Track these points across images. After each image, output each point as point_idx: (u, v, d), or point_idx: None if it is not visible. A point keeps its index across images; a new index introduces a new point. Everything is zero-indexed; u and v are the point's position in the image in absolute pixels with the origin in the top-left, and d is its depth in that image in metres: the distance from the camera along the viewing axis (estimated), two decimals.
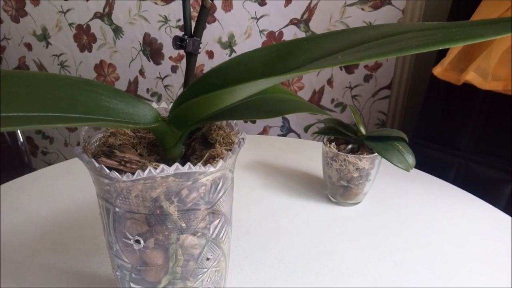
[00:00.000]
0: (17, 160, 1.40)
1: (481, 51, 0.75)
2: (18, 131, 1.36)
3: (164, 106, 0.36)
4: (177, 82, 1.45)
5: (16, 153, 1.40)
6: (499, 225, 0.57)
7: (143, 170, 0.24)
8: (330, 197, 0.62)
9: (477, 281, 0.46)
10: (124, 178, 0.25)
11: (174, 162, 0.25)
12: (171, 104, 0.34)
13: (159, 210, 0.27)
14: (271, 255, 0.49)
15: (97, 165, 0.25)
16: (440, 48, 0.19)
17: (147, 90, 1.50)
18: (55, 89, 0.23)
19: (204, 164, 0.26)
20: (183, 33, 0.29)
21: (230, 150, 0.29)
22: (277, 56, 0.26)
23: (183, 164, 0.25)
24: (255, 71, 0.26)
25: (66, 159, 0.75)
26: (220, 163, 0.26)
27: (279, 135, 1.41)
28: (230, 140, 0.31)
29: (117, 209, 0.28)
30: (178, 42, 0.29)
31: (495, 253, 0.51)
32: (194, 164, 0.25)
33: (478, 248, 0.52)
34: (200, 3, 0.28)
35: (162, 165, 0.24)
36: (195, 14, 1.19)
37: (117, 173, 0.25)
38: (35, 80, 0.23)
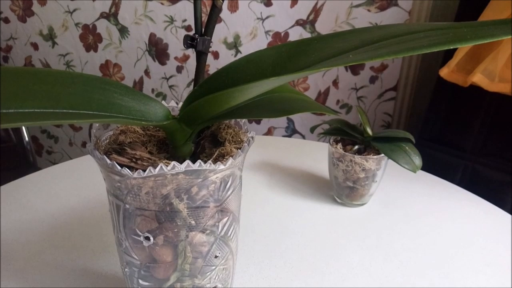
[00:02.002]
0: (22, 159, 1.41)
1: (488, 53, 0.75)
2: (24, 130, 1.37)
3: (172, 105, 0.36)
4: (182, 82, 1.45)
5: (21, 152, 1.41)
6: (504, 226, 0.56)
7: (154, 167, 0.25)
8: (336, 198, 0.62)
9: (483, 282, 0.46)
10: (135, 174, 0.25)
11: (183, 160, 0.25)
12: (179, 103, 0.34)
13: (169, 207, 0.27)
14: (277, 255, 0.49)
15: (109, 161, 0.25)
16: (451, 48, 0.19)
17: (152, 90, 1.51)
18: (69, 86, 0.23)
19: (214, 161, 0.27)
20: (193, 32, 0.30)
21: (240, 148, 0.29)
22: (287, 55, 0.26)
23: (193, 162, 0.25)
24: (265, 70, 0.26)
25: (71, 158, 0.75)
26: (230, 160, 0.27)
27: (283, 136, 1.41)
28: (239, 139, 0.31)
29: (127, 206, 0.28)
30: (189, 41, 0.29)
31: (500, 255, 0.51)
32: (204, 162, 0.26)
33: (484, 249, 0.52)
34: (211, 4, 0.28)
35: (173, 162, 0.25)
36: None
37: (128, 170, 0.25)
38: (49, 77, 0.23)
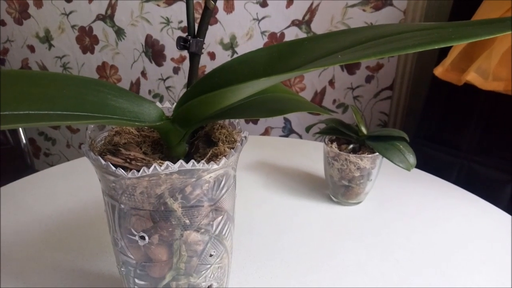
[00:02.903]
0: (20, 162, 1.41)
1: (482, 52, 0.75)
2: (21, 132, 1.37)
3: (167, 106, 0.36)
4: (178, 83, 1.46)
5: (19, 154, 1.41)
6: (500, 225, 0.57)
7: (148, 167, 0.25)
8: (332, 197, 0.63)
9: (479, 280, 0.46)
10: (130, 175, 0.25)
11: (178, 160, 0.26)
12: (174, 104, 0.34)
13: (163, 206, 0.27)
14: (273, 254, 0.50)
15: (103, 162, 0.25)
16: (436, 47, 0.20)
17: (149, 91, 1.51)
18: (64, 88, 0.24)
19: (208, 161, 0.27)
20: (186, 34, 0.30)
21: (233, 148, 0.29)
22: (279, 55, 0.27)
23: (187, 162, 0.26)
24: (257, 70, 0.27)
25: (68, 160, 0.76)
26: (223, 160, 0.27)
27: (280, 136, 1.41)
28: (233, 139, 0.32)
29: (122, 206, 0.28)
30: (182, 43, 0.29)
31: (496, 253, 0.51)
32: (198, 162, 0.26)
33: (480, 247, 0.52)
34: (203, 5, 0.29)
35: (167, 162, 0.25)
36: (197, 15, 1.19)
37: (122, 170, 0.25)
38: (44, 80, 0.24)
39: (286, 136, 1.41)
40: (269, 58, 0.27)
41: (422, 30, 0.23)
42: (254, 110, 0.30)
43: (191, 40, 0.29)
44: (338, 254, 0.50)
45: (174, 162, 0.26)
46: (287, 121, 1.38)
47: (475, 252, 0.51)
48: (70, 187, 0.65)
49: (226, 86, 0.23)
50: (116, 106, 0.25)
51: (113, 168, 0.25)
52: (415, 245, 0.52)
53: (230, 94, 0.25)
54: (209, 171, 0.27)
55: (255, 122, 1.43)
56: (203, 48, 0.31)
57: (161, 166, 0.25)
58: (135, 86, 1.51)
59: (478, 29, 0.20)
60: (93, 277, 0.45)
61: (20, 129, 1.40)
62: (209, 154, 0.29)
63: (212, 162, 0.27)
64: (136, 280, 0.32)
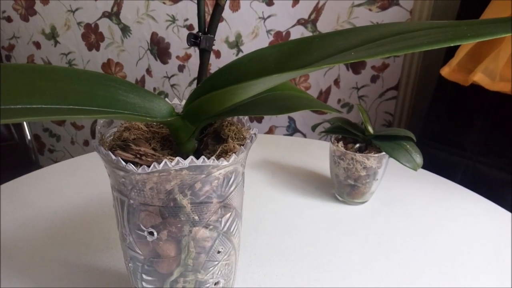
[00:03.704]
0: (25, 158, 1.42)
1: (489, 52, 0.75)
2: (26, 128, 1.38)
3: (175, 103, 0.36)
4: (183, 81, 1.46)
5: (24, 150, 1.41)
6: (505, 225, 0.57)
7: (159, 163, 0.25)
8: (337, 196, 0.62)
9: (483, 280, 0.46)
10: (140, 170, 0.25)
11: (187, 157, 0.26)
12: (183, 101, 0.34)
13: (172, 202, 0.27)
14: (278, 252, 0.50)
15: (114, 157, 0.25)
16: (451, 45, 0.20)
17: (154, 89, 1.51)
18: (75, 83, 0.24)
19: (218, 158, 0.27)
20: (196, 30, 0.30)
21: (242, 145, 0.29)
22: (289, 53, 0.27)
23: (196, 159, 0.26)
24: (268, 67, 0.27)
25: (72, 157, 0.76)
26: (233, 157, 0.27)
27: (285, 135, 1.41)
28: (242, 136, 0.32)
29: (131, 201, 0.28)
30: (192, 39, 0.29)
31: (501, 253, 0.51)
32: (208, 158, 0.26)
33: (484, 247, 0.52)
34: (213, 3, 0.29)
35: (177, 158, 0.25)
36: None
37: (133, 166, 0.25)
38: (55, 74, 0.24)
39: (290, 135, 1.41)
40: (279, 55, 0.27)
41: (435, 28, 0.23)
42: (264, 107, 0.30)
43: (202, 36, 0.29)
44: (343, 253, 0.50)
45: (184, 159, 0.26)
46: (291, 120, 1.38)
47: (479, 253, 0.51)
48: (74, 183, 0.65)
49: (237, 83, 0.23)
50: (127, 101, 0.25)
51: (124, 163, 0.25)
52: (420, 245, 0.52)
53: (241, 90, 0.25)
54: (218, 167, 0.27)
55: (260, 120, 1.43)
56: (213, 45, 0.31)
57: (171, 161, 0.25)
58: (140, 83, 1.52)
59: (494, 27, 0.20)
60: (99, 272, 0.45)
61: (25, 125, 1.40)
62: (219, 150, 0.29)
63: (222, 158, 0.27)
64: (144, 276, 0.32)
